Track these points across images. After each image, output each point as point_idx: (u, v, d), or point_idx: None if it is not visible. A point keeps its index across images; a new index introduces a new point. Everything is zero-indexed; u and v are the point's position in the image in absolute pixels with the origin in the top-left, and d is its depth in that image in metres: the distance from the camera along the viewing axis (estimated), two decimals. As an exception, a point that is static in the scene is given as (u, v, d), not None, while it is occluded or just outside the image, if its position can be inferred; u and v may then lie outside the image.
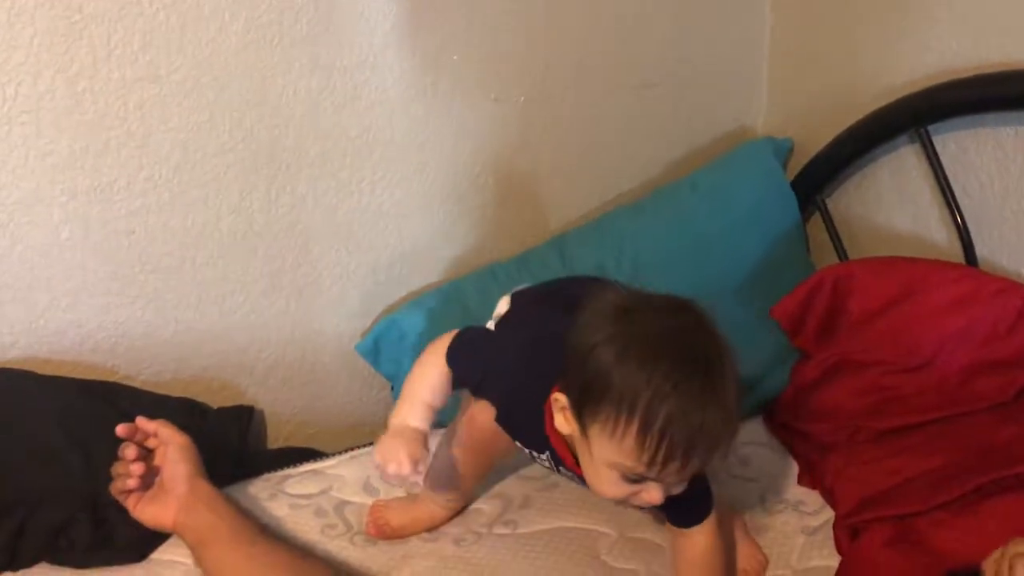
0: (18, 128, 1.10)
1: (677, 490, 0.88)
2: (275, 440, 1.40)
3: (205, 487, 1.07)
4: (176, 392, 1.27)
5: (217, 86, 1.19)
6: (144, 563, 1.08)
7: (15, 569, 1.06)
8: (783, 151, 1.53)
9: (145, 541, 1.09)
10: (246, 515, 1.09)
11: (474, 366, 0.99)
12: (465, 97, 1.37)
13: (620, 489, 0.87)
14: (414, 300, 1.40)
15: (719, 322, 0.92)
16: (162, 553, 1.09)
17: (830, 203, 1.49)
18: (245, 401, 1.35)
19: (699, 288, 1.28)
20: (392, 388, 1.41)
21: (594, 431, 0.85)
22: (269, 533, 1.08)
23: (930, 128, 1.27)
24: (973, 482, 0.97)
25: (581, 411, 0.86)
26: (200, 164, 1.22)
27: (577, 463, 0.93)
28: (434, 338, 1.06)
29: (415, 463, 0.95)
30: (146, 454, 1.08)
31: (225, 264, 1.29)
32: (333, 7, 1.22)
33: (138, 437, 1.08)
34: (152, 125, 1.17)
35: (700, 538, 0.97)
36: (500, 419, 1.00)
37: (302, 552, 1.07)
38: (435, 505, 1.17)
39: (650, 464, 0.82)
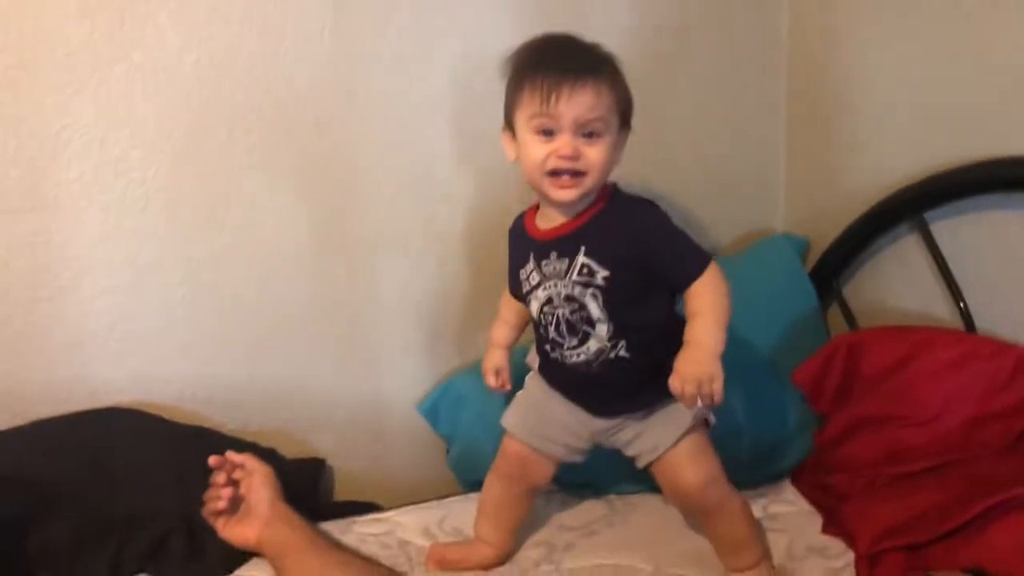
0: (152, 204, 1.34)
1: (588, 149, 1.09)
2: (342, 494, 1.54)
3: (284, 508, 1.22)
4: (259, 443, 1.44)
5: (312, 177, 1.43)
6: (231, 577, 1.22)
7: (118, 578, 1.21)
8: (800, 247, 1.71)
9: (232, 557, 1.22)
10: (321, 531, 1.22)
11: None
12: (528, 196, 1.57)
13: (542, 149, 1.09)
14: (471, 369, 1.56)
15: (750, 397, 1.33)
16: (246, 570, 1.23)
17: (845, 291, 1.64)
18: (318, 455, 1.51)
19: (731, 367, 1.44)
20: (448, 450, 1.56)
21: (515, 118, 1.14)
22: (343, 546, 1.21)
23: (927, 215, 1.44)
24: (978, 507, 1.08)
25: (508, 117, 1.16)
26: (293, 242, 1.44)
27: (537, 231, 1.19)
28: (490, 399, 1.38)
29: (493, 372, 1.34)
30: (234, 483, 1.24)
31: (311, 331, 1.48)
32: (411, 114, 1.46)
33: (227, 468, 1.24)
34: (258, 209, 1.40)
35: (701, 285, 1.12)
36: (510, 258, 1.26)
37: (373, 560, 1.20)
38: (488, 548, 1.30)
39: (544, 97, 1.07)
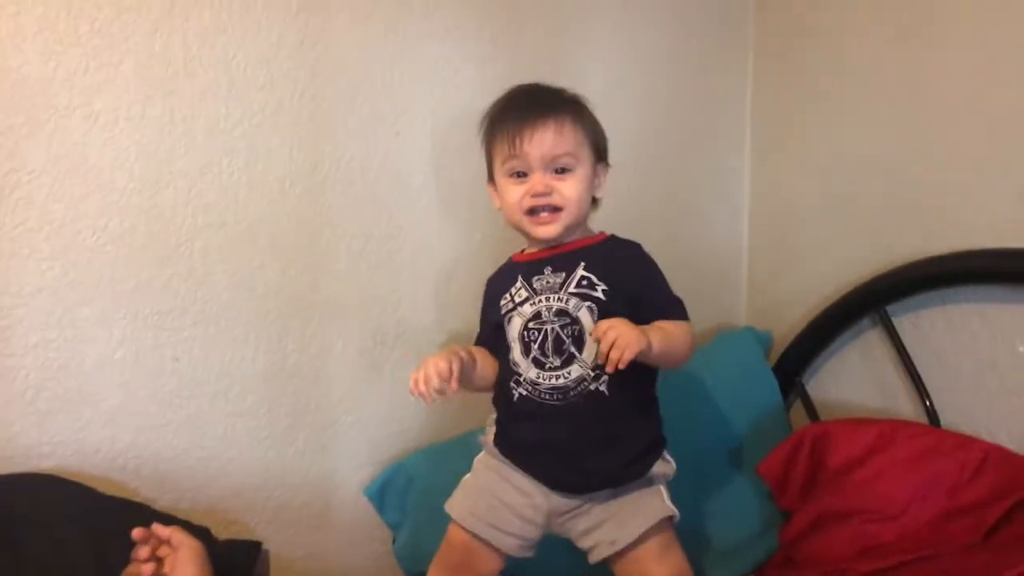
0: (100, 256, 1.27)
1: (560, 184, 1.14)
2: (277, 580, 1.43)
3: (213, 589, 1.11)
4: (191, 521, 1.33)
5: (271, 238, 1.38)
6: (145, 663, 1.10)
7: (17, 661, 1.08)
8: (764, 341, 1.70)
9: (149, 641, 1.11)
10: (251, 615, 1.12)
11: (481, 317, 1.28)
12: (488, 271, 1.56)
13: (518, 191, 1.15)
14: (422, 450, 1.49)
15: (714, 492, 1.32)
16: (165, 654, 1.11)
17: (809, 386, 1.62)
18: (254, 537, 1.40)
19: (695, 459, 1.41)
20: (394, 541, 1.47)
21: (493, 170, 1.20)
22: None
23: (888, 309, 1.45)
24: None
25: (490, 171, 1.22)
26: (247, 304, 1.38)
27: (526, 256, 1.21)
28: (441, 484, 1.25)
29: (437, 372, 1.10)
30: (157, 560, 1.13)
31: (255, 400, 1.40)
32: (378, 182, 1.45)
33: (151, 543, 1.14)
34: (211, 266, 1.35)
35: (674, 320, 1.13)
36: (484, 308, 1.26)
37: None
38: None
39: (510, 144, 1.14)
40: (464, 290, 1.53)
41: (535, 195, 1.13)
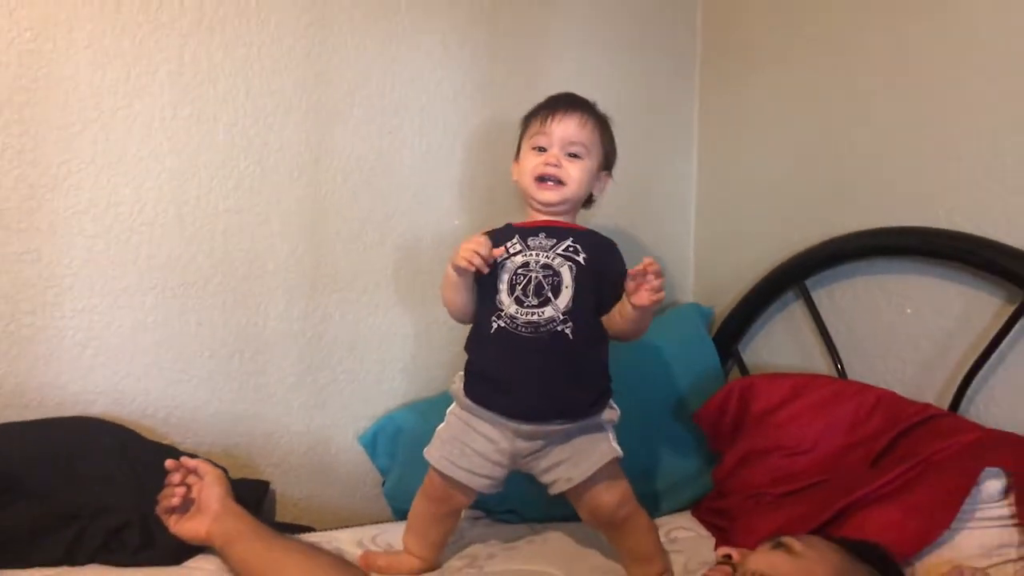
0: (136, 236, 1.51)
1: (572, 165, 1.38)
2: (282, 516, 1.65)
3: (233, 504, 1.33)
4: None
5: (282, 221, 1.62)
6: (180, 567, 1.32)
7: (71, 565, 1.30)
8: (707, 316, 1.94)
9: (182, 551, 1.33)
10: (267, 525, 1.34)
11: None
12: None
13: (536, 159, 1.39)
14: (410, 404, 1.73)
15: (659, 442, 1.60)
16: (195, 561, 1.33)
17: (744, 354, 1.87)
18: (263, 478, 1.63)
19: (645, 413, 1.66)
20: (384, 483, 1.70)
21: (522, 145, 1.45)
22: (288, 535, 1.33)
23: (807, 283, 1.70)
24: (838, 505, 1.27)
25: (518, 151, 1.46)
26: (260, 278, 1.61)
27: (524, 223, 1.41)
28: (425, 434, 1.44)
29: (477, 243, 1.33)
30: (187, 487, 1.35)
31: (265, 360, 1.63)
32: (373, 174, 1.69)
33: (181, 472, 1.36)
34: (230, 245, 1.58)
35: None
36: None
37: (316, 545, 1.32)
38: (415, 559, 1.43)
39: (541, 119, 1.40)
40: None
41: (547, 164, 1.38)
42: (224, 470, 1.52)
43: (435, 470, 1.40)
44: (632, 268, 1.27)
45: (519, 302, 1.34)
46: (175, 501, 1.31)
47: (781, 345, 1.80)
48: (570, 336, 1.32)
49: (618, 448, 1.39)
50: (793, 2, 1.76)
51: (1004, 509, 1.19)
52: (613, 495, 1.36)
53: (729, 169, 1.94)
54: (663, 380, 1.81)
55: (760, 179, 1.85)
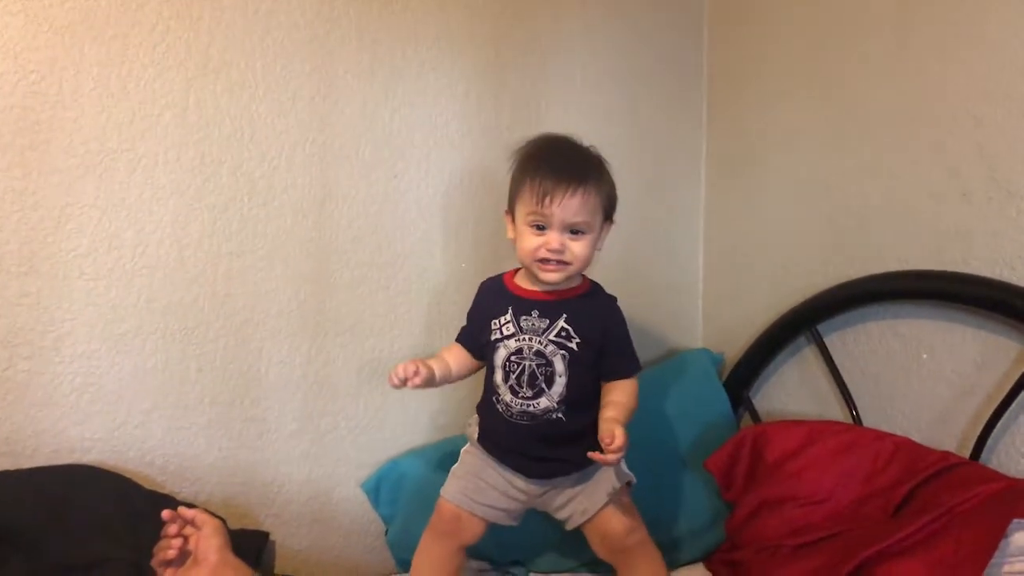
0: (137, 279, 1.48)
1: (573, 244, 1.30)
2: (282, 567, 1.60)
3: (232, 556, 1.29)
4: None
5: (285, 264, 1.59)
6: (174, 623, 1.27)
7: (65, 621, 1.25)
8: (717, 362, 1.91)
9: (177, 605, 1.28)
10: (267, 579, 1.30)
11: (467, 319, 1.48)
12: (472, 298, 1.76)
13: (535, 240, 1.30)
14: (415, 450, 1.69)
15: (670, 491, 1.55)
16: (190, 616, 1.28)
17: (755, 400, 1.83)
18: (262, 528, 1.58)
19: (655, 462, 1.63)
20: (387, 532, 1.65)
21: (516, 208, 1.34)
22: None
23: (819, 328, 1.67)
24: (859, 558, 1.22)
25: (511, 205, 1.36)
26: (262, 323, 1.58)
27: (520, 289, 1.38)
28: (430, 480, 1.47)
29: (404, 368, 1.34)
30: (184, 538, 1.31)
31: (267, 406, 1.60)
32: (379, 218, 1.67)
33: (178, 523, 1.32)
34: (232, 288, 1.56)
35: (625, 384, 1.35)
36: (472, 311, 1.45)
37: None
38: None
39: (539, 199, 1.28)
40: (451, 314, 1.73)
41: (550, 250, 1.29)
42: (223, 520, 1.48)
43: (451, 503, 1.40)
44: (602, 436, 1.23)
45: (514, 391, 1.35)
46: (171, 553, 1.27)
47: (794, 391, 1.77)
48: (564, 419, 1.34)
49: (629, 473, 1.40)
50: (802, 42, 1.76)
51: (1033, 563, 1.14)
52: (624, 520, 1.38)
53: (738, 212, 1.92)
54: (673, 428, 1.77)
55: (770, 222, 1.83)
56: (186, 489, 1.54)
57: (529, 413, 1.34)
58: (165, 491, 1.51)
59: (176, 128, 1.49)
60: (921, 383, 1.51)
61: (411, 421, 1.73)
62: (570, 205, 1.28)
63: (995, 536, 1.13)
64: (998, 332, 1.40)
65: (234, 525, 1.52)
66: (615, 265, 1.81)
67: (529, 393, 1.33)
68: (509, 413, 1.35)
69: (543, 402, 1.33)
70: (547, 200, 1.27)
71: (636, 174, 1.96)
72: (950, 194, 1.46)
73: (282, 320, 1.60)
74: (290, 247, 1.60)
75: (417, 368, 1.35)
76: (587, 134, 1.85)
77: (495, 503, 1.39)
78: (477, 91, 1.77)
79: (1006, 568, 1.14)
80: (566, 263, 1.31)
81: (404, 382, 1.34)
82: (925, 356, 1.50)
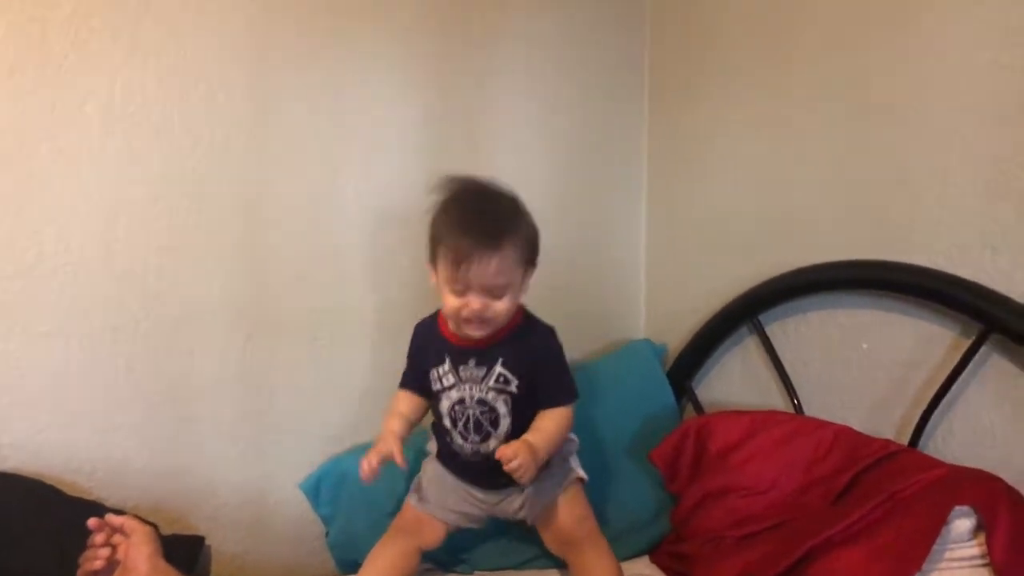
0: (59, 275, 1.41)
1: (495, 303, 1.27)
2: (218, 573, 1.55)
3: (163, 564, 1.23)
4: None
5: (218, 261, 1.54)
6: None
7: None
8: (660, 353, 1.90)
9: (106, 618, 1.22)
10: (201, 588, 1.25)
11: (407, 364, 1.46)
12: (415, 298, 1.72)
13: (456, 301, 1.28)
14: (355, 448, 1.64)
15: (614, 484, 1.56)
16: (120, 629, 1.22)
17: (698, 390, 1.84)
18: (197, 533, 1.52)
19: (599, 455, 1.62)
20: (327, 534, 1.60)
21: (436, 263, 1.32)
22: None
23: (761, 318, 1.68)
24: (803, 548, 1.22)
25: (431, 256, 1.33)
26: (195, 319, 1.52)
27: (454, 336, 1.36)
28: (375, 487, 1.40)
29: (379, 457, 1.32)
30: (112, 547, 1.25)
31: (201, 406, 1.54)
32: (317, 212, 1.62)
33: (106, 531, 1.25)
34: (163, 285, 1.49)
35: (555, 411, 1.35)
36: (412, 355, 1.44)
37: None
38: None
39: (455, 264, 1.25)
40: (394, 307, 1.70)
41: (472, 311, 1.27)
42: (154, 526, 1.41)
43: (417, 509, 1.43)
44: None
45: (463, 437, 1.37)
46: (98, 564, 1.21)
47: (736, 381, 1.77)
48: None
49: (580, 471, 1.45)
50: (741, 34, 1.76)
51: (974, 549, 1.15)
52: (574, 511, 1.41)
53: (679, 204, 1.92)
54: (617, 419, 1.76)
55: (711, 214, 1.83)
56: (115, 495, 1.47)
57: (480, 453, 1.37)
58: (92, 498, 1.45)
59: (101, 118, 1.42)
60: (860, 372, 1.53)
61: (350, 421, 1.68)
62: (487, 271, 1.25)
63: (937, 523, 1.14)
64: (934, 320, 1.42)
65: (166, 530, 1.47)
66: (558, 256, 1.79)
67: (477, 438, 1.36)
68: (463, 451, 1.39)
69: (492, 443, 1.36)
70: (463, 266, 1.25)
71: (578, 164, 1.95)
72: (888, 183, 1.47)
73: (215, 318, 1.54)
74: (224, 243, 1.54)
75: (390, 451, 1.32)
76: (530, 122, 1.83)
77: (456, 507, 1.43)
78: (421, 82, 1.73)
79: (947, 554, 1.15)
80: (488, 319, 1.29)
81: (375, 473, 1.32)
82: (865, 345, 1.51)
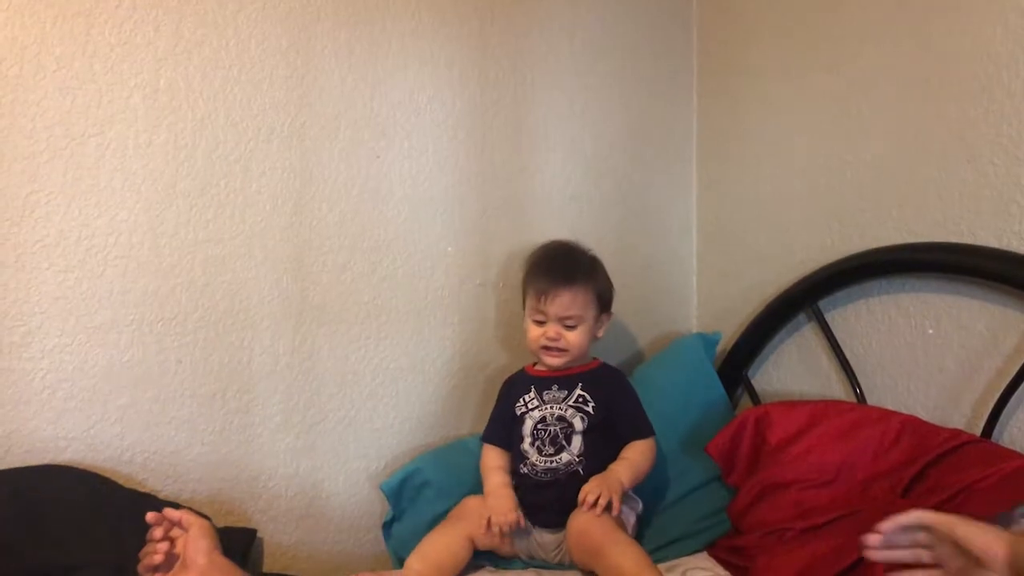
0: (111, 269, 1.42)
1: (568, 333, 1.54)
2: (271, 565, 1.55)
3: (221, 558, 1.23)
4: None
5: (264, 252, 1.53)
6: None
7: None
8: (713, 343, 1.85)
9: (164, 609, 1.22)
10: (254, 577, 1.24)
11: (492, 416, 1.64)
12: (459, 282, 1.72)
13: (537, 331, 1.56)
14: (435, 452, 1.64)
15: (671, 481, 1.61)
16: (177, 621, 1.22)
17: (754, 380, 1.78)
18: (249, 525, 1.53)
19: (659, 455, 1.57)
20: (391, 524, 1.58)
21: (526, 306, 1.59)
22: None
23: (820, 304, 1.62)
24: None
25: (524, 305, 1.60)
26: (243, 312, 1.52)
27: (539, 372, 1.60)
28: (453, 493, 1.56)
29: (513, 510, 1.45)
30: (170, 540, 1.25)
31: (250, 399, 1.54)
32: (361, 200, 1.61)
33: (164, 525, 1.26)
34: (210, 277, 1.49)
35: (641, 444, 1.53)
36: (499, 402, 1.62)
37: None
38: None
39: (537, 297, 1.54)
40: (439, 297, 1.69)
41: (548, 338, 1.54)
42: (210, 520, 1.43)
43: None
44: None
45: (539, 451, 1.53)
46: (158, 558, 1.20)
47: (794, 370, 1.71)
48: (582, 472, 1.49)
49: (631, 527, 1.51)
50: (792, 18, 1.70)
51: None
52: (603, 521, 1.38)
53: (731, 190, 1.87)
54: (668, 417, 1.71)
55: (764, 199, 1.77)
56: (168, 487, 1.48)
57: (552, 469, 1.50)
58: (146, 489, 1.45)
59: (147, 111, 1.42)
60: (927, 358, 1.46)
61: (401, 411, 1.67)
62: (561, 302, 1.53)
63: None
64: (1007, 304, 1.35)
65: (219, 523, 1.47)
66: (608, 247, 1.77)
67: (551, 451, 1.51)
68: (535, 472, 1.51)
69: (564, 456, 1.50)
70: (543, 298, 1.54)
71: (626, 151, 1.91)
72: (954, 160, 1.40)
73: (263, 309, 1.54)
74: (269, 233, 1.54)
75: (517, 517, 1.44)
76: (574, 111, 1.81)
77: (518, 541, 1.50)
78: (460, 65, 1.70)
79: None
80: (563, 349, 1.54)
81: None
82: (931, 331, 1.45)
